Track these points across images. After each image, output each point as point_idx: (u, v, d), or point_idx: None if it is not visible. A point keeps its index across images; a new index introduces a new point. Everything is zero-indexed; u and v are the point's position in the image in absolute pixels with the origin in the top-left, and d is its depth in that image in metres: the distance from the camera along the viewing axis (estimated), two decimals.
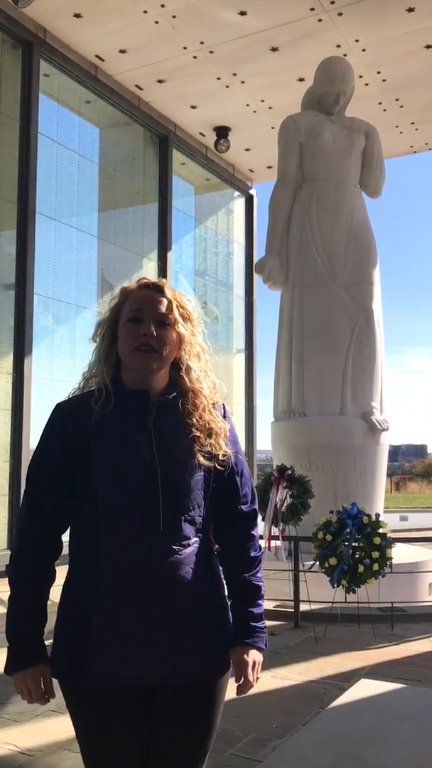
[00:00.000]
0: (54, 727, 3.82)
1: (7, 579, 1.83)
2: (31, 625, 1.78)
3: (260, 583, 1.89)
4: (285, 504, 7.06)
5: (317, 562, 5.89)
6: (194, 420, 1.79)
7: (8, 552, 8.74)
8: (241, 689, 1.80)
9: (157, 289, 1.82)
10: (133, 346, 1.77)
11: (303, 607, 6.12)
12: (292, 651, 5.35)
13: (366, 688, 4.25)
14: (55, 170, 10.37)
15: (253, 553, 1.89)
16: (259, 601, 1.87)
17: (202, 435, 1.78)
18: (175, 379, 1.84)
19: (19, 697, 1.83)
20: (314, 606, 6.09)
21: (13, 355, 9.20)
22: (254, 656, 1.81)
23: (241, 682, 1.79)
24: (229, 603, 1.88)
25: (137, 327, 1.78)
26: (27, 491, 1.82)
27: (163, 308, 1.80)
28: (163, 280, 1.87)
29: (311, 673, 4.84)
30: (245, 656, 1.79)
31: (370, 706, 3.95)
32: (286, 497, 7.10)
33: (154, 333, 1.77)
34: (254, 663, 1.80)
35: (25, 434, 9.09)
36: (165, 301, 1.81)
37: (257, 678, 1.81)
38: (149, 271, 12.25)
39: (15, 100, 9.47)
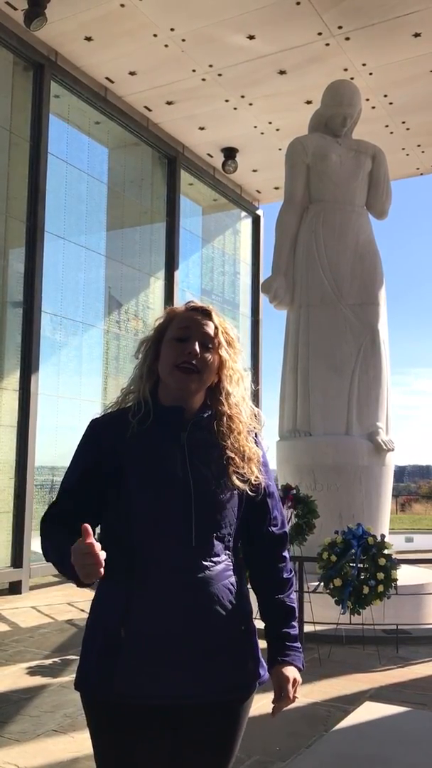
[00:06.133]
0: (55, 747, 3.79)
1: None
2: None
3: (294, 605, 1.90)
4: (290, 524, 7.04)
5: (322, 583, 5.85)
6: (228, 442, 1.81)
7: (11, 569, 8.75)
8: (278, 707, 1.80)
9: (205, 313, 1.87)
10: (175, 363, 1.79)
11: (307, 628, 6.07)
12: (304, 669, 5.30)
13: (370, 711, 4.22)
14: (64, 190, 10.48)
15: (285, 575, 1.90)
16: (294, 623, 1.89)
17: (236, 457, 1.80)
18: (211, 401, 1.86)
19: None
20: (319, 627, 6.05)
21: (20, 372, 9.23)
22: (294, 674, 1.82)
23: (280, 699, 1.79)
24: (263, 625, 1.88)
25: (182, 345, 1.81)
26: (54, 502, 1.85)
27: (210, 331, 1.84)
28: (210, 305, 1.91)
29: (315, 695, 4.80)
30: (285, 673, 1.81)
31: (375, 729, 3.91)
32: (291, 517, 7.07)
33: (199, 353, 1.80)
34: (294, 680, 1.81)
35: (31, 451, 9.10)
36: (212, 325, 1.85)
37: (295, 696, 1.82)
38: (156, 290, 12.33)
39: (26, 120, 9.59)
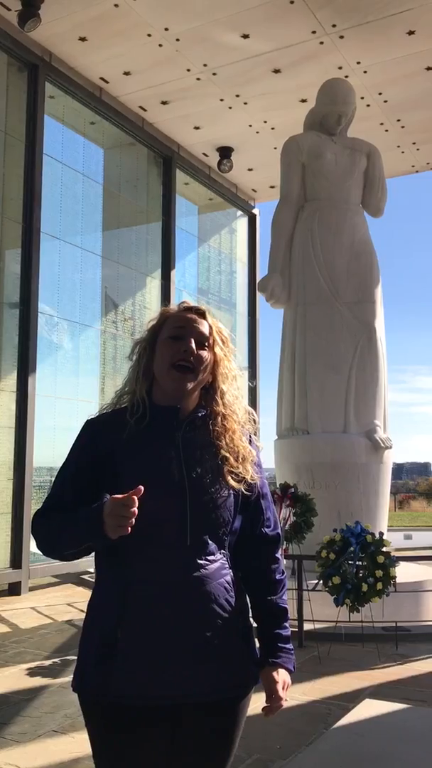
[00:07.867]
0: (56, 747, 3.79)
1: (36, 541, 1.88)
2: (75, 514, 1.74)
3: (286, 606, 1.91)
4: (288, 522, 7.05)
5: (321, 581, 5.86)
6: (223, 442, 1.82)
7: (10, 571, 8.75)
8: (269, 709, 1.80)
9: (198, 313, 1.88)
10: (171, 362, 1.81)
11: (307, 626, 6.09)
12: (295, 670, 5.31)
13: (370, 709, 4.22)
14: (59, 190, 10.47)
15: (278, 576, 1.91)
16: (286, 624, 1.89)
17: (231, 457, 1.81)
18: (206, 401, 1.87)
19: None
20: (318, 625, 6.06)
21: (17, 373, 9.23)
22: (284, 676, 1.83)
23: (270, 702, 1.79)
24: (255, 626, 1.89)
25: (177, 344, 1.82)
26: (49, 500, 1.87)
27: (205, 330, 1.86)
28: (204, 305, 1.92)
29: (315, 693, 4.81)
30: (275, 675, 1.81)
31: (375, 726, 3.92)
32: (289, 516, 7.08)
33: (195, 350, 1.81)
34: (284, 683, 1.82)
35: (29, 452, 9.09)
36: (206, 324, 1.87)
37: (285, 699, 1.82)
38: (153, 289, 12.32)
39: (21, 121, 9.58)
